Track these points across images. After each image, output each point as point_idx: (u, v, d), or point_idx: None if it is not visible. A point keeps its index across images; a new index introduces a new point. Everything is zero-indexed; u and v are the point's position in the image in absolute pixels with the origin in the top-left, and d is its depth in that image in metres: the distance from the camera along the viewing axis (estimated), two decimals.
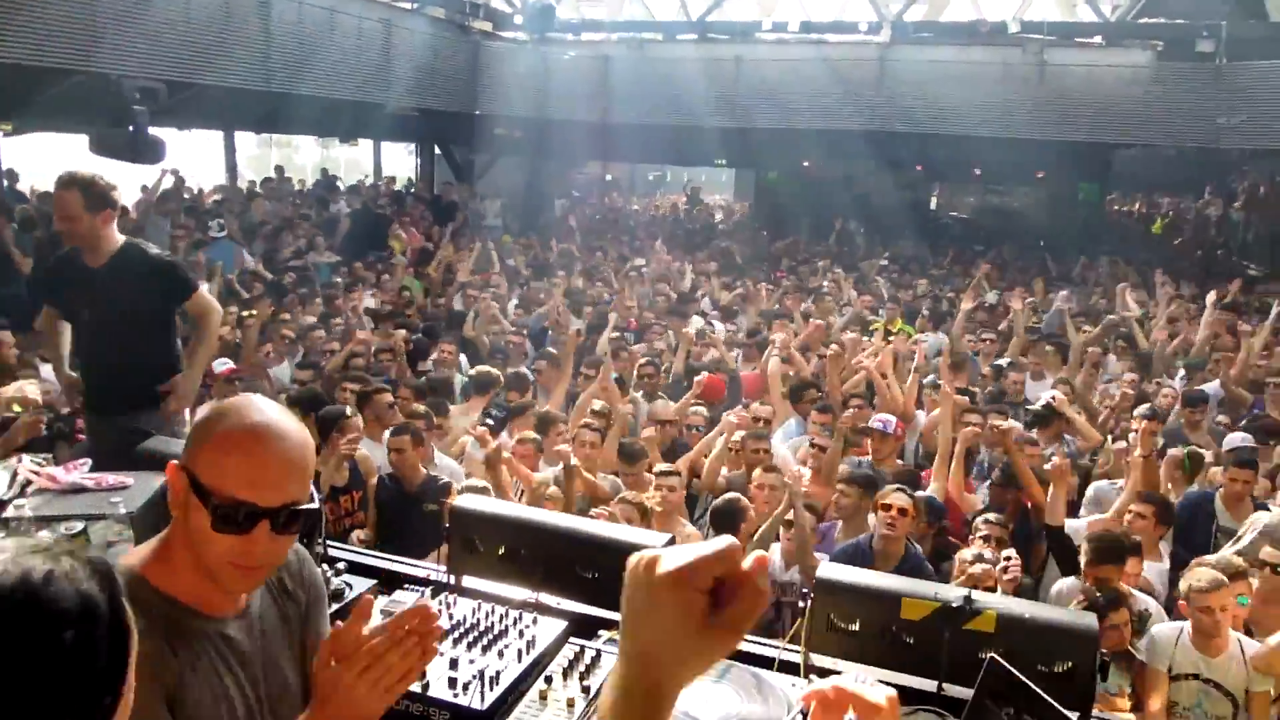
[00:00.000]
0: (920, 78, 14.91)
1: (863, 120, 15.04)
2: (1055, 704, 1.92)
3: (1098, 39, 15.37)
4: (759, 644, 2.50)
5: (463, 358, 8.21)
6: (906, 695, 2.28)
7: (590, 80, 16.39)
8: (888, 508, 4.35)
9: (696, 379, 6.71)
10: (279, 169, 17.94)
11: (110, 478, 2.92)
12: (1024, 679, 2.02)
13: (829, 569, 2.48)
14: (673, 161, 28.16)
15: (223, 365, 6.51)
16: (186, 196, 15.37)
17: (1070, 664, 2.20)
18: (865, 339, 8.57)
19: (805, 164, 18.68)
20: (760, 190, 21.80)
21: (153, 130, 9.75)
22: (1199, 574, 3.85)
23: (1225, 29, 13.88)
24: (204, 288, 4.49)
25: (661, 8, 20.07)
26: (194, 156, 19.53)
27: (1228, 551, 4.59)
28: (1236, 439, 6.12)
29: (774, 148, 17.51)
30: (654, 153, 22.08)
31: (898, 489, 4.48)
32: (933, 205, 20.96)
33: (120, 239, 4.18)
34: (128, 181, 14.35)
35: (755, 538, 4.38)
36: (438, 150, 19.19)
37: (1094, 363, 8.14)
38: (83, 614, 0.95)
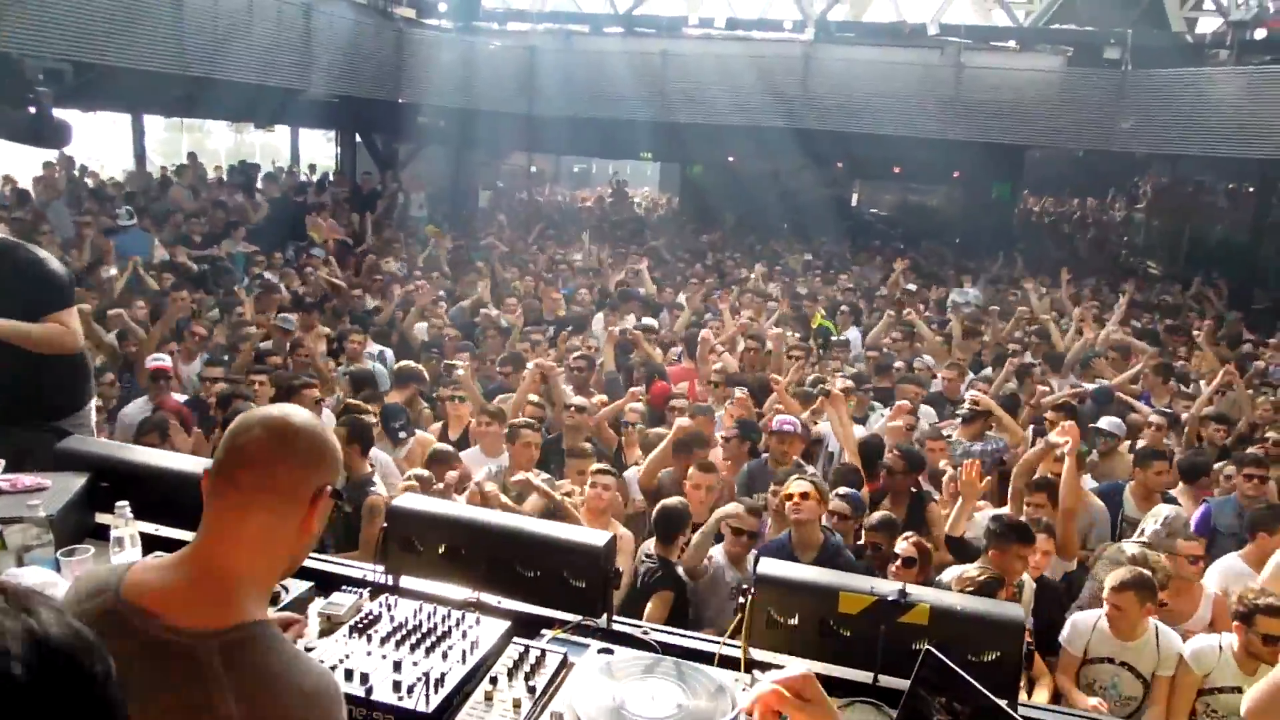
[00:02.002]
0: (842, 76, 15.22)
1: (786, 117, 15.29)
2: (986, 691, 2.00)
3: (1012, 43, 15.90)
4: (700, 639, 2.53)
5: (387, 351, 8.07)
6: (843, 687, 2.34)
7: (516, 71, 16.28)
8: (790, 496, 4.47)
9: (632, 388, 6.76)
10: (192, 155, 17.33)
11: (26, 479, 2.80)
12: (956, 668, 2.09)
13: (768, 565, 2.52)
14: (598, 154, 28.14)
15: (155, 361, 6.30)
16: (90, 182, 14.79)
17: (998, 653, 2.28)
18: (791, 335, 8.70)
19: (730, 159, 18.87)
20: (686, 184, 21.96)
21: (57, 113, 9.33)
22: (1114, 575, 4.02)
23: (1131, 37, 14.50)
24: (75, 310, 3.83)
25: (588, 0, 20.04)
26: (99, 140, 18.76)
27: (1130, 544, 4.82)
28: (1116, 421, 6.47)
29: (699, 142, 17.65)
30: (580, 145, 22.03)
31: (799, 477, 4.60)
32: (854, 202, 21.39)
33: None
34: (31, 164, 13.78)
35: (695, 540, 4.39)
36: (359, 139, 18.79)
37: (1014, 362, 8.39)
38: None
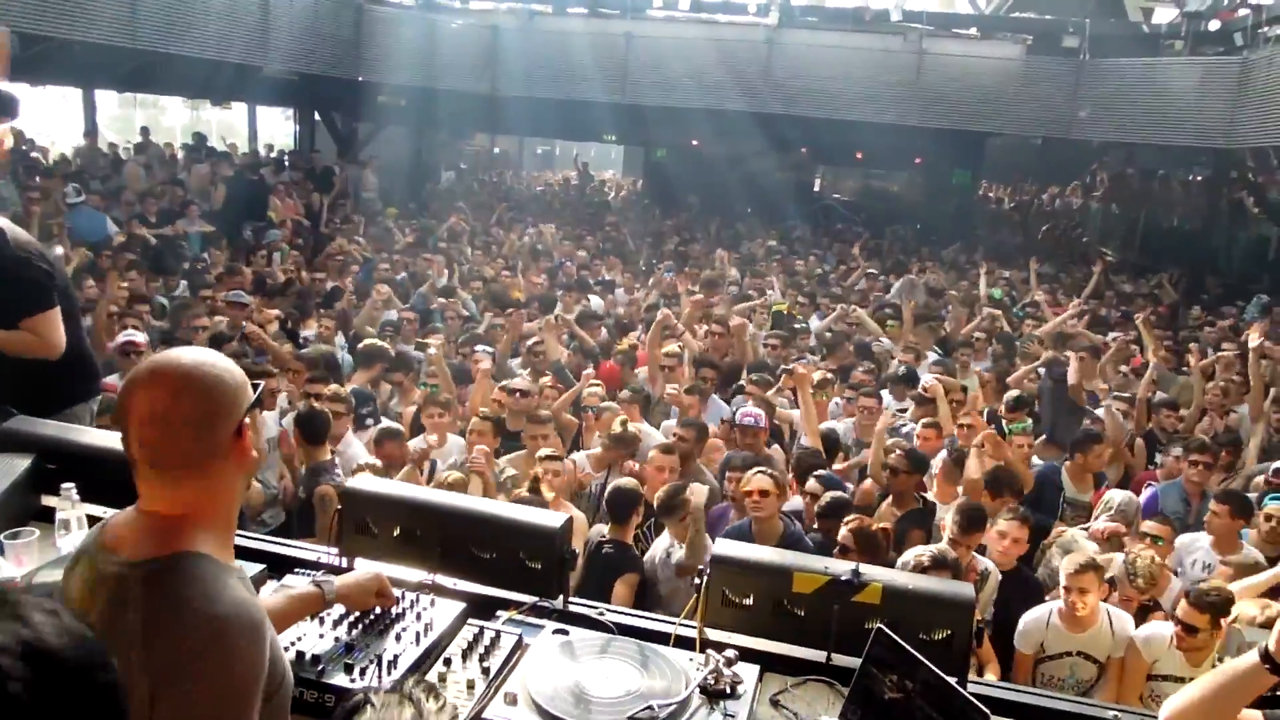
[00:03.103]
0: (806, 61, 15.26)
1: (750, 101, 15.29)
2: (935, 669, 2.04)
3: (973, 30, 16.03)
4: (654, 620, 2.55)
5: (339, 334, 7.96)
6: (797, 666, 2.37)
7: (478, 50, 16.09)
8: (749, 492, 4.46)
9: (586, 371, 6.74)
10: (144, 130, 16.94)
11: None
12: (907, 647, 2.13)
13: (723, 545, 2.54)
14: (562, 136, 27.92)
15: (127, 336, 6.18)
16: (39, 157, 14.40)
17: (949, 632, 2.32)
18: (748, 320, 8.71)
19: (694, 142, 18.85)
20: (650, 167, 21.88)
21: (4, 85, 9.04)
22: (1070, 560, 4.08)
23: (1089, 26, 14.69)
24: (55, 313, 3.59)
25: None
26: (49, 115, 18.30)
27: (1078, 531, 4.91)
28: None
29: (663, 125, 17.60)
30: (543, 126, 21.85)
31: (758, 472, 4.58)
32: (817, 187, 21.48)
33: None
34: None
35: (693, 539, 4.26)
36: (319, 117, 18.49)
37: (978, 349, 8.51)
38: None
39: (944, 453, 5.52)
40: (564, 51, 15.93)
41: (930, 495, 5.38)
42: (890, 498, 5.28)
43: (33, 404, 3.43)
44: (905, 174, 20.65)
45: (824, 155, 19.86)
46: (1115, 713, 2.30)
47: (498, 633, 2.24)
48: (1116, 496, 5.15)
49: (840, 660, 2.36)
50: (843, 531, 4.22)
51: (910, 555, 3.97)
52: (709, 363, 7.08)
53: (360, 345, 7.00)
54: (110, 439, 3.14)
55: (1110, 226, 19.30)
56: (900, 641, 2.15)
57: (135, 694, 1.34)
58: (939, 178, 18.94)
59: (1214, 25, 13.83)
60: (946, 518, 4.58)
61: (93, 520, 2.59)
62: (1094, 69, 14.44)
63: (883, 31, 15.31)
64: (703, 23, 16.28)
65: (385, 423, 5.60)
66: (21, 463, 2.79)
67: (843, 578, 2.35)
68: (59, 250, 8.50)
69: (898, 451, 5.38)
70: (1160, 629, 4.01)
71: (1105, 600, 4.14)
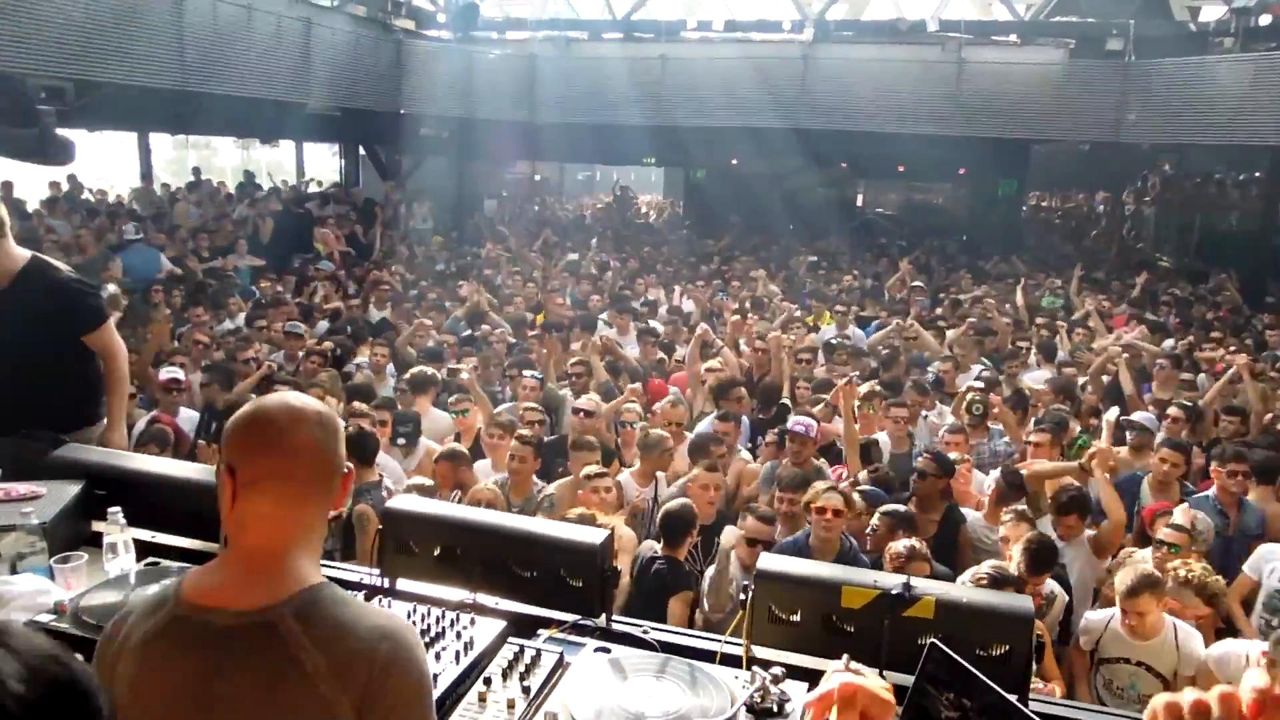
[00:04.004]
0: (843, 76, 15.16)
1: (787, 118, 15.20)
2: (995, 686, 1.95)
3: (1013, 37, 15.82)
4: (699, 638, 2.48)
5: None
6: None
7: (516, 79, 16.29)
8: (822, 510, 4.38)
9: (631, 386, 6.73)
10: (196, 170, 17.40)
11: (21, 487, 2.78)
12: (964, 663, 2.04)
13: (768, 560, 2.47)
14: (601, 161, 28.14)
15: (168, 373, 6.31)
16: (94, 199, 14.85)
17: (1007, 647, 2.22)
18: (791, 337, 8.63)
19: (733, 162, 18.83)
20: (690, 189, 21.91)
21: (62, 132, 9.35)
22: (1122, 577, 3.92)
23: (1134, 28, 14.40)
24: (111, 321, 4.06)
25: (586, 6, 20.06)
26: (107, 160, 18.86)
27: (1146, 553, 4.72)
28: (1139, 417, 6.37)
29: (701, 146, 17.62)
30: (582, 152, 22.04)
31: (830, 488, 4.50)
32: (859, 202, 21.31)
33: (23, 257, 3.82)
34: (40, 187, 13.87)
35: (713, 581, 4.18)
36: (363, 151, 18.84)
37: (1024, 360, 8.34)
38: None
39: (997, 474, 5.36)
40: (600, 76, 16.05)
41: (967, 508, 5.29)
42: (916, 500, 5.20)
43: (53, 424, 3.68)
44: (949, 186, 20.40)
45: (865, 169, 19.70)
46: None
47: (538, 651, 2.20)
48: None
49: (892, 677, 2.26)
50: (876, 517, 4.16)
51: (968, 575, 3.85)
52: (737, 382, 7.02)
53: (411, 373, 6.98)
54: (155, 464, 3.19)
55: (1164, 232, 18.85)
56: (956, 657, 2.06)
57: (330, 689, 1.43)
58: (985, 188, 18.67)
59: (1264, 20, 13.45)
60: (1013, 551, 4.39)
61: (140, 544, 2.61)
62: (1140, 71, 14.13)
63: (920, 42, 15.18)
64: (738, 41, 16.30)
65: (452, 445, 5.64)
66: (71, 489, 2.82)
67: (893, 591, 2.26)
68: (111, 288, 8.72)
69: (925, 455, 5.32)
70: (1234, 647, 3.80)
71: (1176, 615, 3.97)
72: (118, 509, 2.63)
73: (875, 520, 4.63)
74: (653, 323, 9.56)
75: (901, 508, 4.76)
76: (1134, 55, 14.31)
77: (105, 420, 4.09)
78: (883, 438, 6.39)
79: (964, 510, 5.29)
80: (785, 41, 15.89)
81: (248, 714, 1.45)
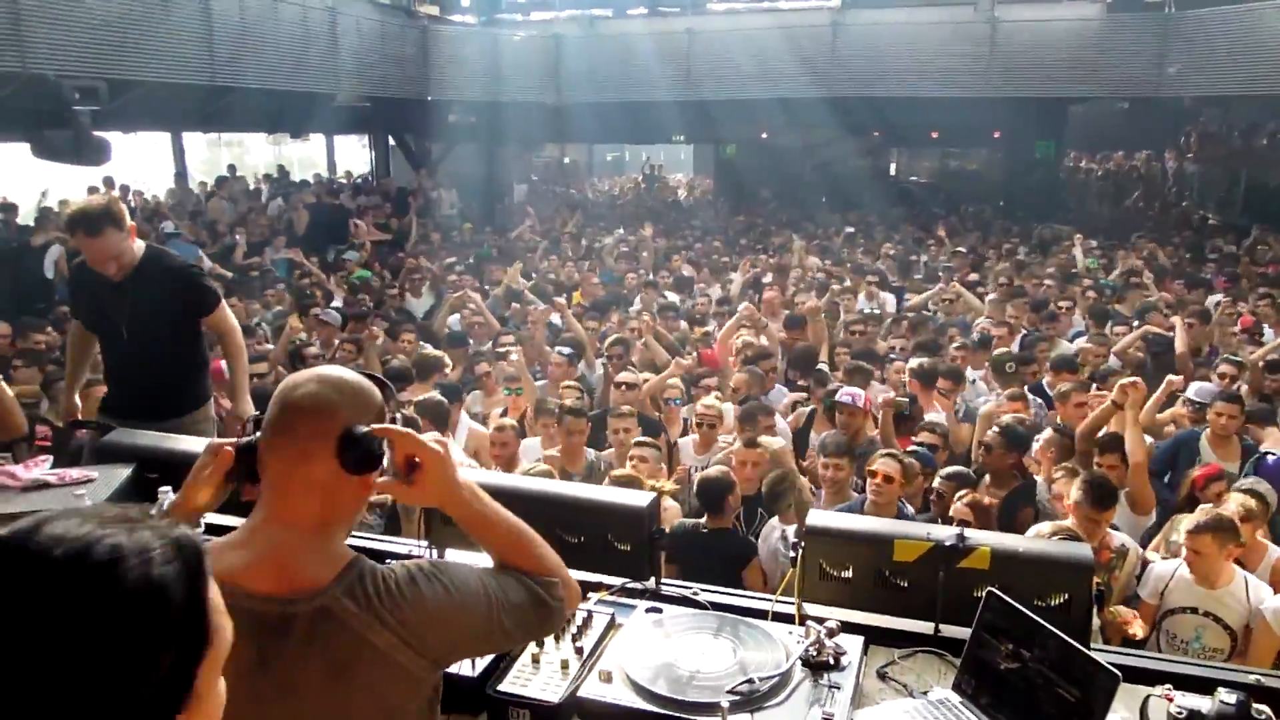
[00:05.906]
0: (873, 41, 14.93)
1: (817, 87, 14.97)
2: (1056, 630, 1.90)
3: None
4: (751, 597, 2.46)
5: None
6: (902, 639, 2.25)
7: (542, 61, 16.23)
8: (874, 474, 4.32)
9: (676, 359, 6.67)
10: (231, 167, 17.58)
11: (74, 472, 2.83)
12: (1024, 610, 1.99)
13: (818, 516, 2.43)
14: (630, 140, 28.01)
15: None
16: (132, 201, 15.06)
17: (1066, 596, 2.17)
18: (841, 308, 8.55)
19: (764, 135, 18.63)
20: (720, 165, 21.73)
21: (97, 133, 9.48)
22: (1189, 519, 3.81)
23: None
24: (224, 304, 4.24)
25: None
26: (142, 162, 19.11)
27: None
28: (1207, 389, 6.14)
29: (731, 121, 17.45)
30: (610, 132, 21.93)
31: (886, 454, 4.43)
32: (892, 170, 21.01)
33: (140, 248, 3.98)
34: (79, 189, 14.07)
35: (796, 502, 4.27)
36: (392, 141, 18.93)
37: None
38: (149, 602, 0.80)
39: (1049, 430, 5.24)
40: (626, 54, 15.94)
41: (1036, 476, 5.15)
42: (988, 477, 5.04)
43: (174, 406, 4.02)
44: (985, 150, 20.02)
45: (898, 137, 19.38)
46: (1258, 676, 2.11)
47: (589, 613, 2.19)
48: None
49: (949, 631, 2.23)
50: (957, 504, 4.08)
51: (1032, 532, 3.77)
52: (768, 353, 6.95)
53: (418, 355, 6.81)
54: (203, 446, 3.21)
55: (1208, 188, 18.35)
56: (1015, 604, 2.01)
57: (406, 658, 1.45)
58: (1021, 151, 18.29)
59: None
60: (1071, 492, 4.25)
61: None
62: (1180, 22, 13.74)
63: (952, 3, 14.89)
64: (765, 11, 16.12)
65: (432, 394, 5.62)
66: (122, 472, 2.86)
67: (947, 543, 2.22)
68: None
69: (995, 429, 5.17)
70: None
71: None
72: (168, 488, 2.66)
73: (938, 483, 4.57)
74: (673, 296, 9.50)
75: (965, 469, 4.68)
76: (1174, 6, 13.92)
77: (211, 400, 4.32)
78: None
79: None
80: (814, 9, 15.67)
81: (314, 701, 1.41)
